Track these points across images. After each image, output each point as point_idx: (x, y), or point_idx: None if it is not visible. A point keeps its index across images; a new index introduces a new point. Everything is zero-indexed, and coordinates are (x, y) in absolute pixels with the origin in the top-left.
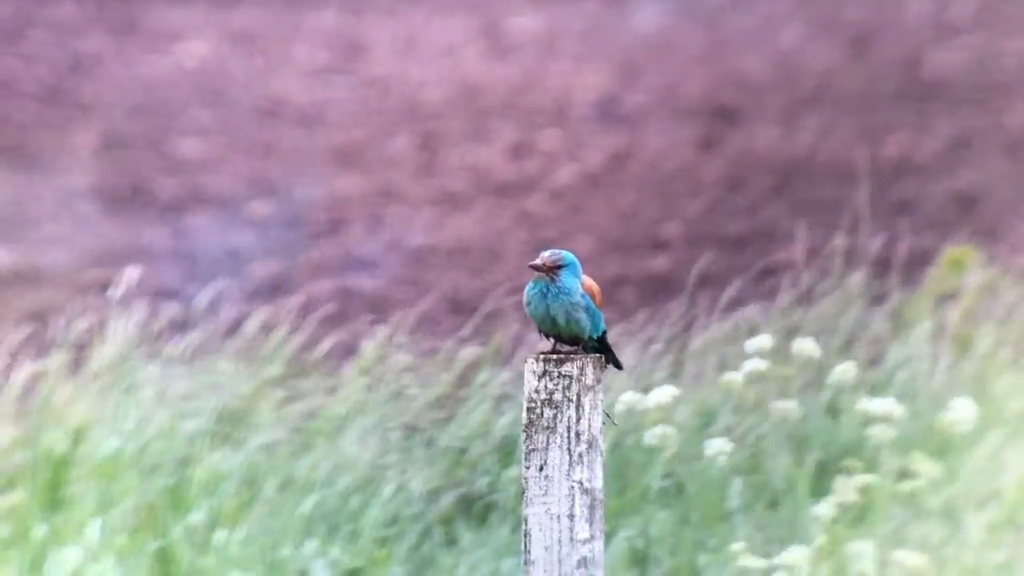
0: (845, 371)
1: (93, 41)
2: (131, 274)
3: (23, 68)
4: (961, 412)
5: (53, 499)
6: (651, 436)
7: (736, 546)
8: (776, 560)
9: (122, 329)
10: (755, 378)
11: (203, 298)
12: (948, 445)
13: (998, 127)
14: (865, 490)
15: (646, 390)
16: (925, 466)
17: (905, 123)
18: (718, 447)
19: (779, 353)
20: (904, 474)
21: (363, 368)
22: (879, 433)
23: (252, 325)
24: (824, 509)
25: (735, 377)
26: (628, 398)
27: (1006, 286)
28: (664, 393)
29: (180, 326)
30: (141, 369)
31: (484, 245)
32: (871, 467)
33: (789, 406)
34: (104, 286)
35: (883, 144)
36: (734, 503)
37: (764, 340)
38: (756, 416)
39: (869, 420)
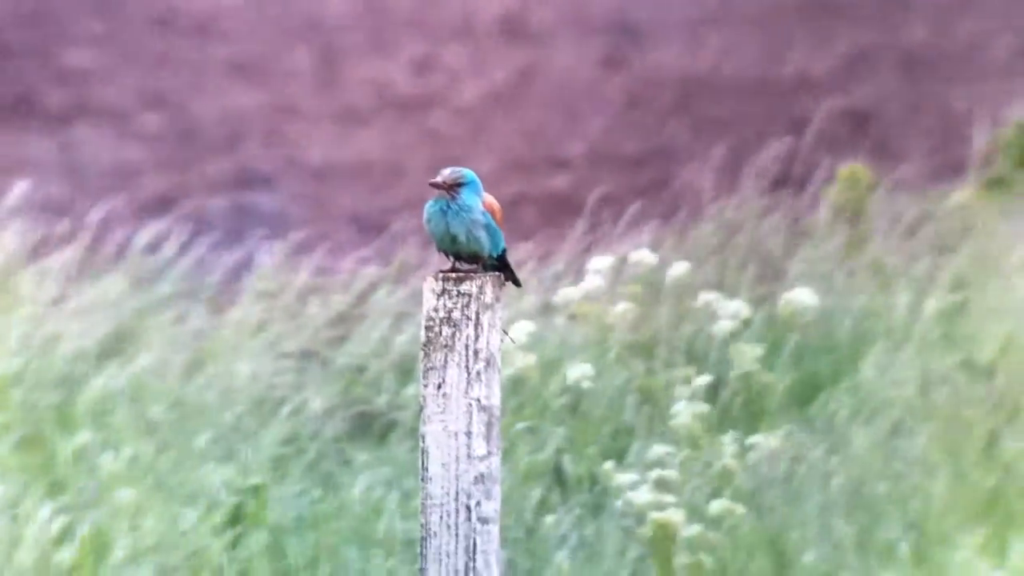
0: (679, 269)
1: None
2: (16, 188)
3: None
4: (799, 299)
5: None
6: (515, 368)
7: (607, 464)
8: (647, 472)
9: (6, 244)
10: (597, 295)
11: (91, 213)
12: (835, 357)
13: (894, 43)
14: (729, 395)
15: (543, 310)
16: (749, 352)
17: (804, 40)
18: (580, 372)
19: (654, 274)
20: (758, 374)
21: (260, 288)
22: (723, 328)
23: (142, 241)
24: (680, 410)
25: (571, 293)
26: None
27: (899, 201)
28: (522, 329)
29: (67, 242)
30: (24, 283)
31: (386, 162)
32: (723, 370)
33: (627, 308)
34: None
35: (782, 61)
36: (618, 420)
37: (605, 260)
38: (625, 332)
39: (713, 318)
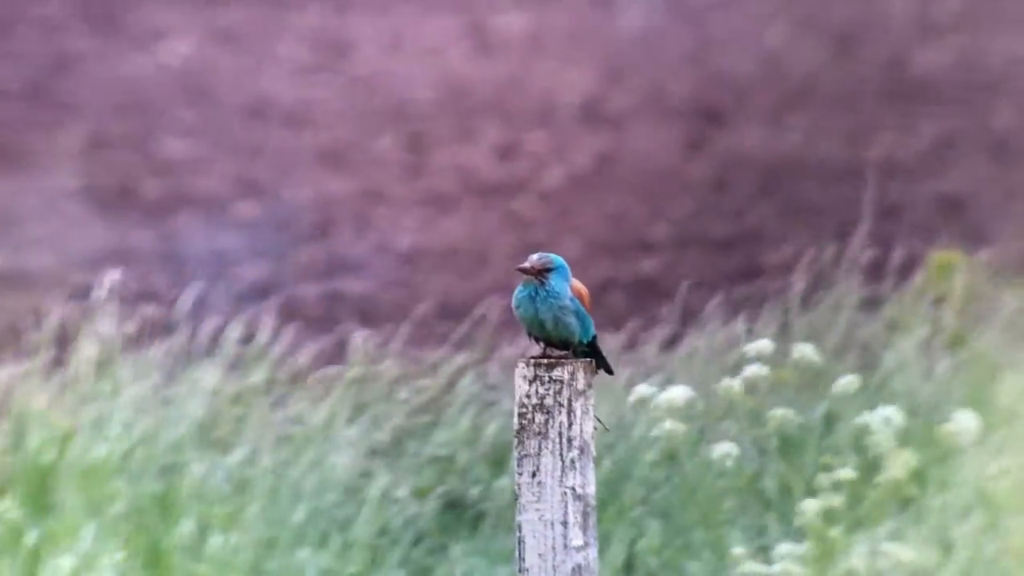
0: (849, 383)
1: (78, 39)
2: (114, 276)
3: (8, 66)
4: (962, 423)
5: (42, 505)
6: (660, 430)
7: (736, 550)
8: (773, 565)
9: (105, 332)
10: (752, 384)
11: (188, 301)
12: (946, 452)
13: (983, 127)
14: (856, 491)
15: (658, 387)
16: (903, 457)
17: (890, 123)
18: (725, 450)
19: (775, 359)
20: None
21: (351, 374)
22: (879, 440)
23: (238, 329)
24: (809, 505)
25: (733, 384)
26: (641, 391)
27: (994, 288)
28: (677, 394)
29: (165, 329)
30: (124, 373)
31: (472, 247)
32: (868, 470)
33: (786, 413)
34: (89, 288)
35: (869, 145)
36: (728, 510)
37: (764, 344)
38: (754, 423)
39: (867, 431)
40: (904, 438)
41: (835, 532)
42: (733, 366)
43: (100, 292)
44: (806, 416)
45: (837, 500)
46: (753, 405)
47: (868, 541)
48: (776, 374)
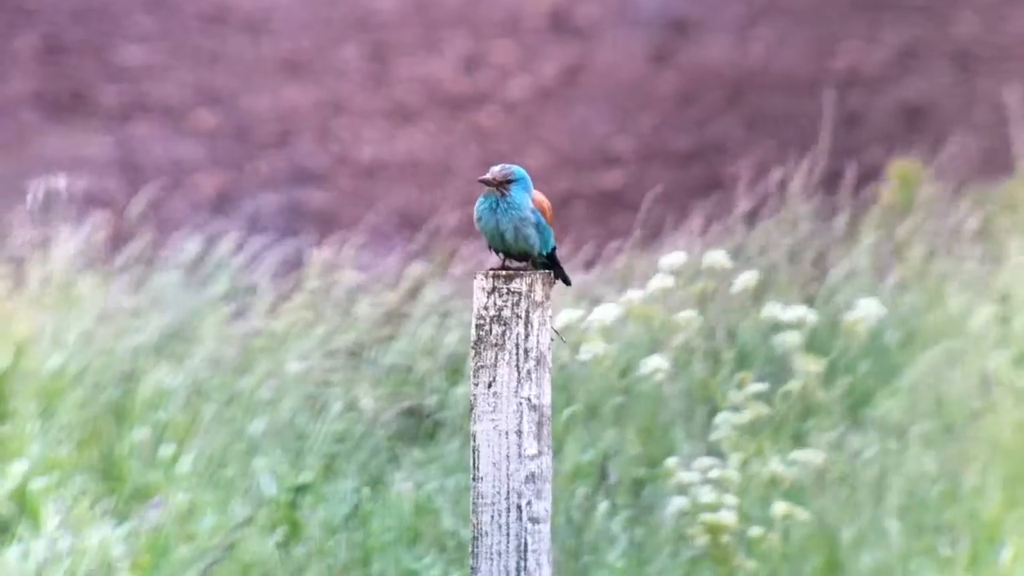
0: (747, 279)
1: None
2: (70, 183)
3: None
4: (865, 310)
5: None
6: (586, 352)
7: (670, 461)
8: (704, 473)
9: (62, 241)
10: (661, 295)
11: (145, 209)
12: (888, 359)
13: (946, 36)
14: (787, 402)
15: (588, 308)
16: (811, 365)
17: (855, 34)
18: (654, 364)
19: (696, 271)
20: (816, 384)
21: (310, 285)
22: (786, 339)
23: (197, 238)
24: (723, 420)
25: (633, 297)
26: (570, 315)
27: (948, 198)
28: (606, 312)
29: (122, 238)
30: (83, 282)
31: (435, 159)
32: (782, 375)
33: (689, 315)
34: (44, 195)
35: (833, 56)
36: (672, 418)
37: (677, 257)
38: (691, 335)
39: (779, 328)
40: (827, 351)
41: (756, 441)
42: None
43: (58, 199)
44: (735, 326)
45: (748, 414)
46: (658, 315)
47: (790, 448)
48: (690, 286)
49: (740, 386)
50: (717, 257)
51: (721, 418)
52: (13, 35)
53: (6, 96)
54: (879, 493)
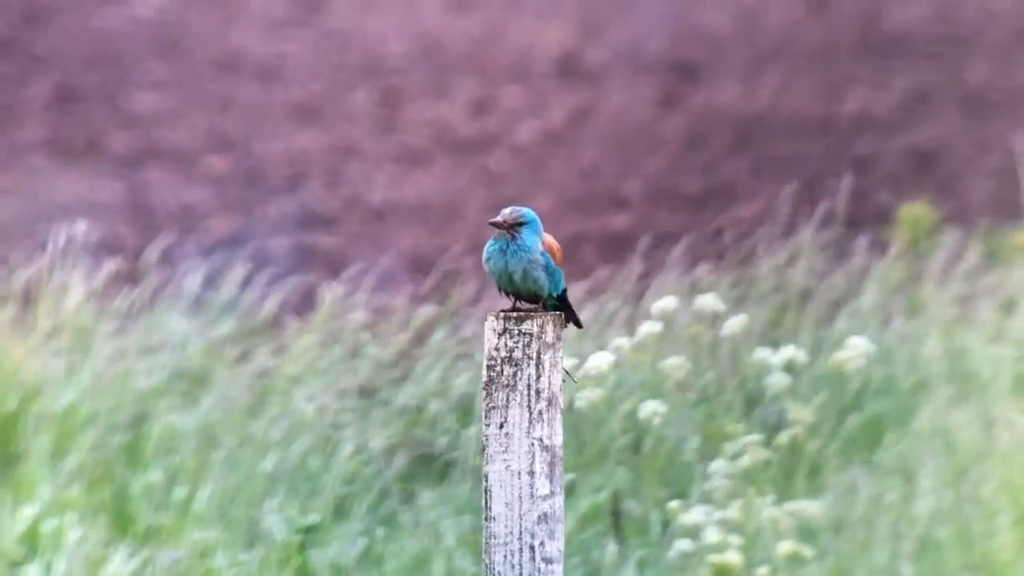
0: (736, 323)
1: None
2: (81, 228)
3: None
4: (854, 349)
5: (5, 455)
6: (581, 400)
7: (673, 504)
8: (709, 515)
9: (74, 284)
10: (646, 343)
11: (156, 253)
12: (899, 401)
13: (956, 81)
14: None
15: (601, 348)
16: (801, 413)
17: (864, 78)
18: (651, 408)
19: (688, 315)
20: (811, 432)
21: (319, 326)
22: (776, 383)
23: (207, 281)
24: (717, 468)
25: (622, 343)
26: (568, 364)
27: (962, 243)
28: (600, 360)
29: (133, 281)
30: (94, 324)
31: (444, 202)
32: (775, 429)
33: (678, 361)
34: (57, 241)
35: (842, 99)
36: (686, 458)
37: (668, 301)
38: (710, 371)
39: (768, 370)
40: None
41: (746, 496)
42: (636, 325)
43: (70, 244)
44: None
45: (741, 465)
46: (646, 361)
47: (775, 501)
48: (685, 330)
49: (732, 437)
50: (708, 301)
51: (715, 467)
52: (26, 82)
53: (19, 142)
54: (893, 535)
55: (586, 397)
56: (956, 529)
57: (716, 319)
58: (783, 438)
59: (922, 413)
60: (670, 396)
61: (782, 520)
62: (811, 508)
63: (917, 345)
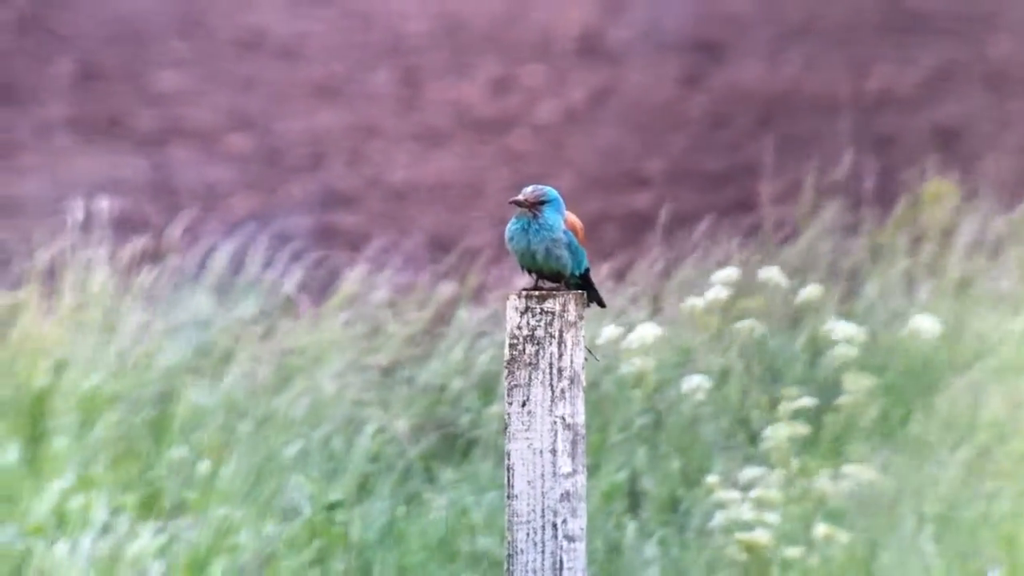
0: (811, 292)
1: None
2: (103, 205)
3: None
4: (923, 326)
5: (33, 433)
6: (629, 367)
7: (711, 478)
8: (747, 492)
9: (98, 261)
10: (718, 307)
11: (179, 231)
12: (925, 379)
13: (980, 58)
14: (833, 419)
15: (627, 327)
16: (863, 382)
17: (887, 55)
18: (696, 383)
19: (750, 286)
20: (866, 402)
21: (341, 304)
22: (841, 354)
23: (230, 260)
24: (775, 432)
25: (696, 303)
26: (610, 332)
27: (984, 219)
28: (647, 331)
29: (156, 259)
30: (118, 302)
31: (465, 181)
32: (833, 394)
33: (752, 323)
34: (80, 218)
35: (866, 77)
36: (711, 436)
37: (731, 272)
38: (732, 351)
39: (832, 343)
40: (876, 368)
41: (806, 458)
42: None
43: (93, 221)
44: (782, 342)
45: (800, 428)
46: (719, 325)
47: (833, 465)
48: (746, 300)
49: (787, 400)
50: (772, 273)
51: (770, 430)
52: (49, 61)
53: (43, 120)
54: (917, 515)
55: (636, 364)
56: (980, 510)
57: (777, 291)
58: (845, 401)
59: (948, 391)
60: (711, 368)
61: (831, 491)
62: (867, 473)
63: (943, 323)
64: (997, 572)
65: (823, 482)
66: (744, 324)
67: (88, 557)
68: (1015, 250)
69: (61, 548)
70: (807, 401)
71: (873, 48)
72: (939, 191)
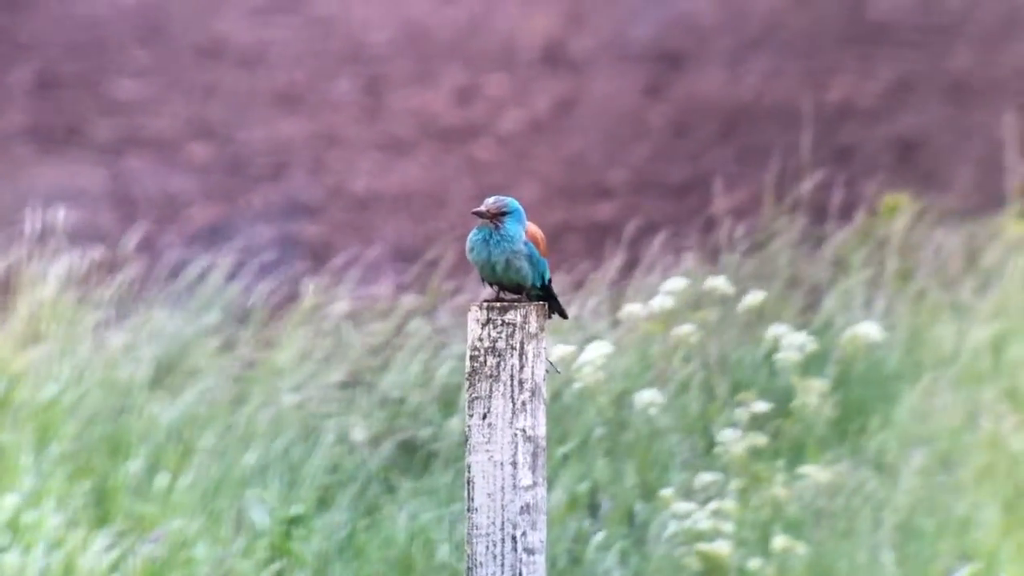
0: (754, 299)
1: None
2: (62, 215)
3: None
4: (866, 331)
5: None
6: (581, 383)
7: (665, 492)
8: (706, 505)
9: (53, 272)
10: (665, 316)
11: (138, 242)
12: (882, 387)
13: (940, 70)
14: (784, 429)
15: (587, 340)
16: (814, 384)
17: (849, 67)
18: (648, 398)
19: (697, 296)
20: (819, 405)
21: (302, 315)
22: (787, 358)
23: (190, 270)
24: (730, 437)
25: (637, 310)
26: (562, 351)
27: (940, 231)
28: (599, 349)
29: (115, 270)
30: (75, 314)
31: (429, 191)
32: (784, 401)
33: (689, 329)
34: (38, 228)
35: (827, 88)
36: (668, 449)
37: (678, 281)
38: (691, 361)
39: (777, 348)
40: (838, 376)
41: (761, 466)
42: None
43: (47, 231)
44: (741, 353)
45: (759, 437)
46: (659, 331)
47: (789, 473)
48: (691, 311)
49: (741, 403)
50: (718, 283)
51: (726, 435)
52: (8, 69)
53: (0, 129)
54: (874, 525)
55: (587, 378)
56: (939, 518)
57: (724, 301)
58: (797, 404)
59: (905, 400)
60: (670, 378)
61: (786, 496)
62: (823, 474)
63: (900, 332)
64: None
65: (779, 489)
66: (683, 329)
67: (41, 570)
68: (974, 261)
69: (14, 560)
70: (762, 406)
71: (834, 59)
72: (896, 204)
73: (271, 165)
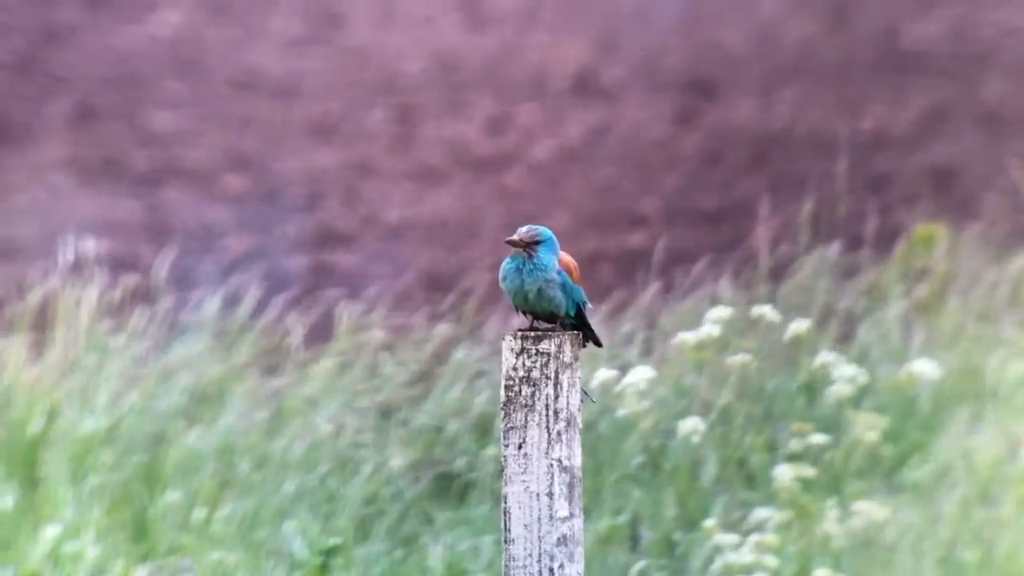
0: (800, 327)
1: (67, 11)
2: (98, 246)
3: None
4: (922, 369)
5: (29, 478)
6: (623, 411)
7: (709, 523)
8: (748, 536)
9: (87, 301)
10: (711, 344)
11: (169, 269)
12: (921, 418)
13: (974, 99)
14: (831, 460)
15: (621, 367)
16: (870, 420)
17: (881, 95)
18: (691, 426)
19: (743, 324)
20: (874, 442)
21: (337, 346)
22: (839, 391)
23: (226, 301)
24: (783, 472)
25: (687, 338)
26: (603, 375)
27: (976, 261)
28: (641, 374)
29: (150, 300)
30: (110, 344)
31: (461, 220)
32: (832, 433)
33: (744, 358)
34: (72, 259)
35: (860, 117)
36: (708, 479)
37: (723, 310)
38: (728, 390)
39: (829, 379)
40: (879, 407)
41: (809, 498)
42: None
43: (81, 262)
44: (780, 381)
45: (809, 469)
46: (709, 360)
47: (840, 504)
48: (739, 338)
49: (798, 436)
50: (764, 311)
51: (780, 470)
52: (46, 101)
53: (38, 161)
54: (916, 557)
55: (630, 405)
56: (980, 552)
57: (771, 329)
58: (851, 438)
59: (945, 432)
60: (713, 406)
61: (836, 532)
62: (877, 510)
63: (940, 364)
64: None
65: (828, 523)
66: (736, 359)
67: None
68: (1011, 292)
69: None
70: (819, 438)
71: (867, 88)
72: (929, 234)
73: (305, 195)
